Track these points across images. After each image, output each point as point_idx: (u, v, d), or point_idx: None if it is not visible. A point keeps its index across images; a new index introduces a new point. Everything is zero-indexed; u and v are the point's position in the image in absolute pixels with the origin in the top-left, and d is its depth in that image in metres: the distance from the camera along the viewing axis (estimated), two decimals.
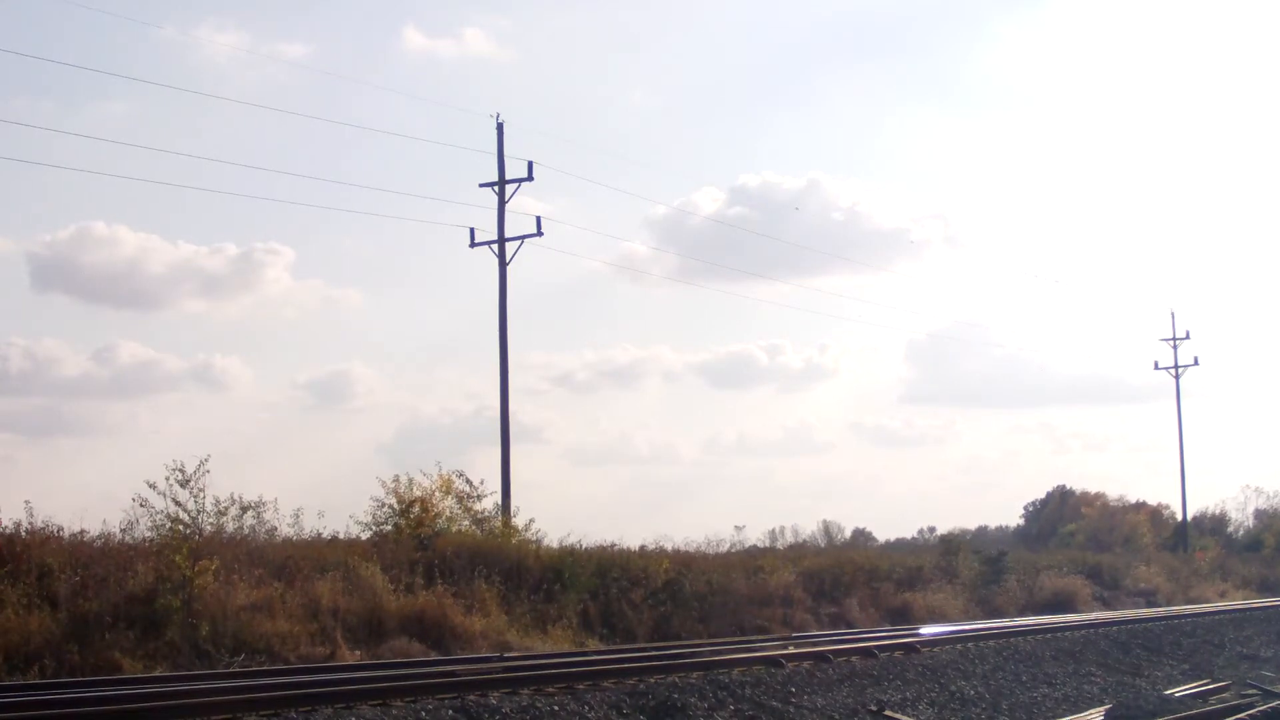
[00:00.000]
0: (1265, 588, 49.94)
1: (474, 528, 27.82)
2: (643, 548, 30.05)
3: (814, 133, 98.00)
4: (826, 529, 55.01)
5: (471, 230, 34.12)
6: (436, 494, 27.36)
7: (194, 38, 71.41)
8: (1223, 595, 45.62)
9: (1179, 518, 64.65)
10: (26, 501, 20.09)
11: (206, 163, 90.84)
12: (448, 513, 27.56)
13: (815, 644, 19.97)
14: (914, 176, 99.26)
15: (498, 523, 28.67)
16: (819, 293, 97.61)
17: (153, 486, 20.95)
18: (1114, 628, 24.75)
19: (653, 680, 15.14)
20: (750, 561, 32.70)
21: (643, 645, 23.17)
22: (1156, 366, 62.58)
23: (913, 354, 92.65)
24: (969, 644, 20.34)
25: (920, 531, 67.31)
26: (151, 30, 77.91)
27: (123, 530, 21.32)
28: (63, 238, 72.37)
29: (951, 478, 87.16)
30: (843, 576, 33.08)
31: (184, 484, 20.91)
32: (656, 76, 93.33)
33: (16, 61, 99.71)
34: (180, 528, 20.71)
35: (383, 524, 26.75)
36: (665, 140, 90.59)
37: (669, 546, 31.73)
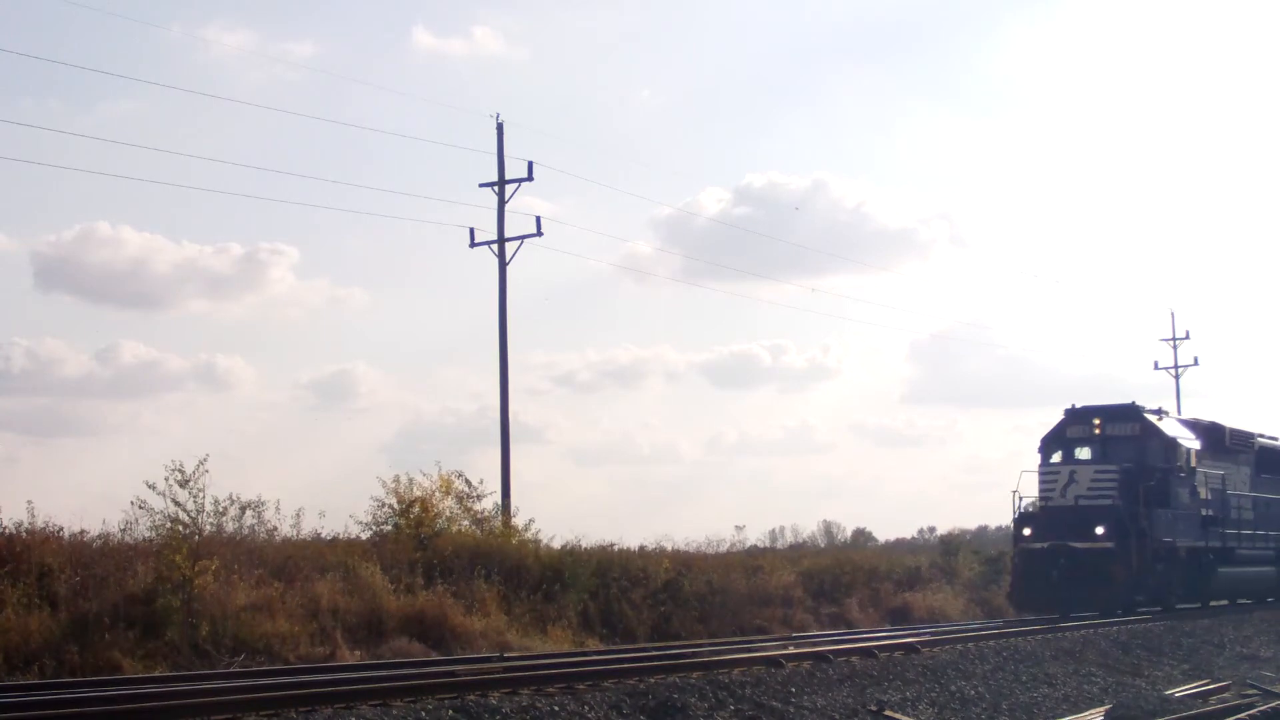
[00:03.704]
0: None
1: (474, 528, 27.82)
2: (643, 548, 30.10)
3: (820, 133, 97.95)
4: (827, 529, 54.97)
5: (471, 230, 34.22)
6: (436, 494, 27.37)
7: (201, 37, 71.32)
8: None
9: None
10: (29, 502, 20.13)
11: (211, 163, 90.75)
12: (448, 513, 27.57)
13: (815, 644, 20.00)
14: (920, 177, 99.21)
15: (498, 523, 28.67)
16: (823, 293, 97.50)
17: (152, 487, 20.96)
18: (1114, 628, 24.74)
19: (653, 680, 15.13)
20: (750, 561, 32.73)
21: (643, 645, 23.19)
22: (1156, 366, 62.55)
23: (915, 354, 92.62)
24: (969, 644, 20.34)
25: (920, 531, 67.13)
26: (158, 30, 77.81)
27: (122, 530, 21.36)
28: (67, 237, 72.34)
29: (953, 477, 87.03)
30: (843, 576, 33.12)
31: (183, 484, 20.91)
32: (663, 76, 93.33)
33: (22, 62, 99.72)
34: (180, 528, 20.71)
35: (383, 524, 26.76)
36: (672, 140, 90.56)
37: (669, 546, 31.79)
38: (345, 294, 77.71)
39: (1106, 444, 29.21)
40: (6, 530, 19.45)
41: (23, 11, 68.52)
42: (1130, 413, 29.66)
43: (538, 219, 34.16)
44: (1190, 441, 30.15)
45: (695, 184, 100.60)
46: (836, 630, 27.73)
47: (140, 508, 21.11)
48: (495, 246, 33.89)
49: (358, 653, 20.13)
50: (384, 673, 15.98)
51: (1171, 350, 62.22)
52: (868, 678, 16.84)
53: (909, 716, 15.52)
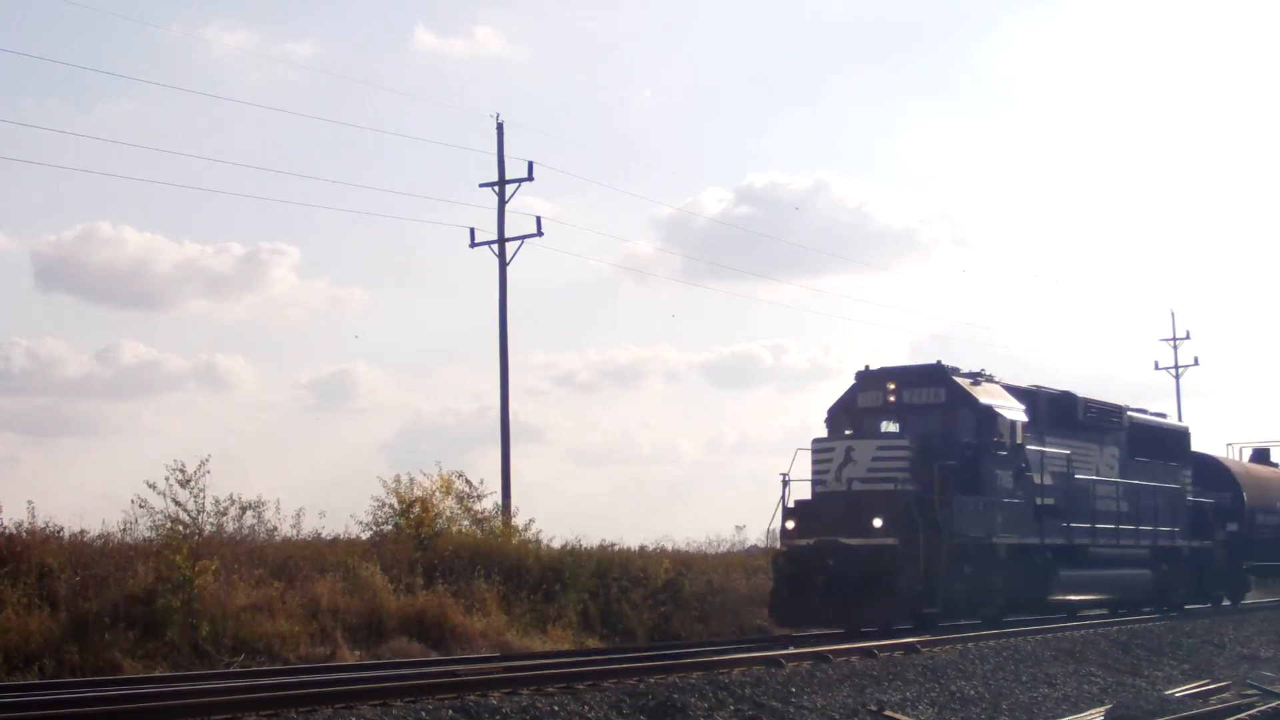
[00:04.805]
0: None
1: (474, 528, 27.85)
2: (643, 548, 30.08)
3: (821, 133, 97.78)
4: None
5: (471, 230, 34.32)
6: (437, 494, 27.39)
7: (202, 37, 71.20)
8: None
9: None
10: (29, 502, 20.16)
11: (212, 163, 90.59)
12: (448, 513, 27.59)
13: (815, 644, 19.98)
14: (921, 177, 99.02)
15: (498, 523, 28.70)
16: (824, 293, 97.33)
17: (152, 487, 21.01)
18: (1114, 628, 24.76)
19: (653, 680, 15.15)
20: (750, 561, 32.71)
21: (643, 645, 23.19)
22: (1157, 366, 62.58)
23: (916, 354, 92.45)
24: (969, 644, 20.35)
25: None
26: (158, 30, 77.61)
27: (123, 530, 21.39)
28: (67, 237, 72.20)
29: None
30: None
31: (184, 484, 20.94)
32: (664, 76, 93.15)
33: (24, 62, 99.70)
34: (180, 528, 20.73)
35: (383, 524, 26.79)
36: (673, 140, 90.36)
37: (670, 546, 31.77)
38: (346, 294, 77.63)
39: (905, 415, 23.47)
40: (6, 530, 19.48)
41: (23, 11, 68.50)
42: (933, 375, 23.73)
43: (538, 219, 34.34)
44: (1014, 412, 24.10)
45: (696, 184, 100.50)
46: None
47: (140, 508, 21.18)
48: (495, 246, 33.97)
49: (358, 653, 20.15)
50: (384, 673, 15.99)
51: (1171, 350, 62.29)
52: (868, 678, 16.85)
53: (909, 716, 15.53)
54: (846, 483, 22.06)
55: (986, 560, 22.98)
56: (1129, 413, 28.99)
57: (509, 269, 33.90)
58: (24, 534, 19.45)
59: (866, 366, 24.33)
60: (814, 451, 22.86)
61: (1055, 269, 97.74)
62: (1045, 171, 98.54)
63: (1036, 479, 24.35)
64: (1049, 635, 22.35)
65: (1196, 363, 62.51)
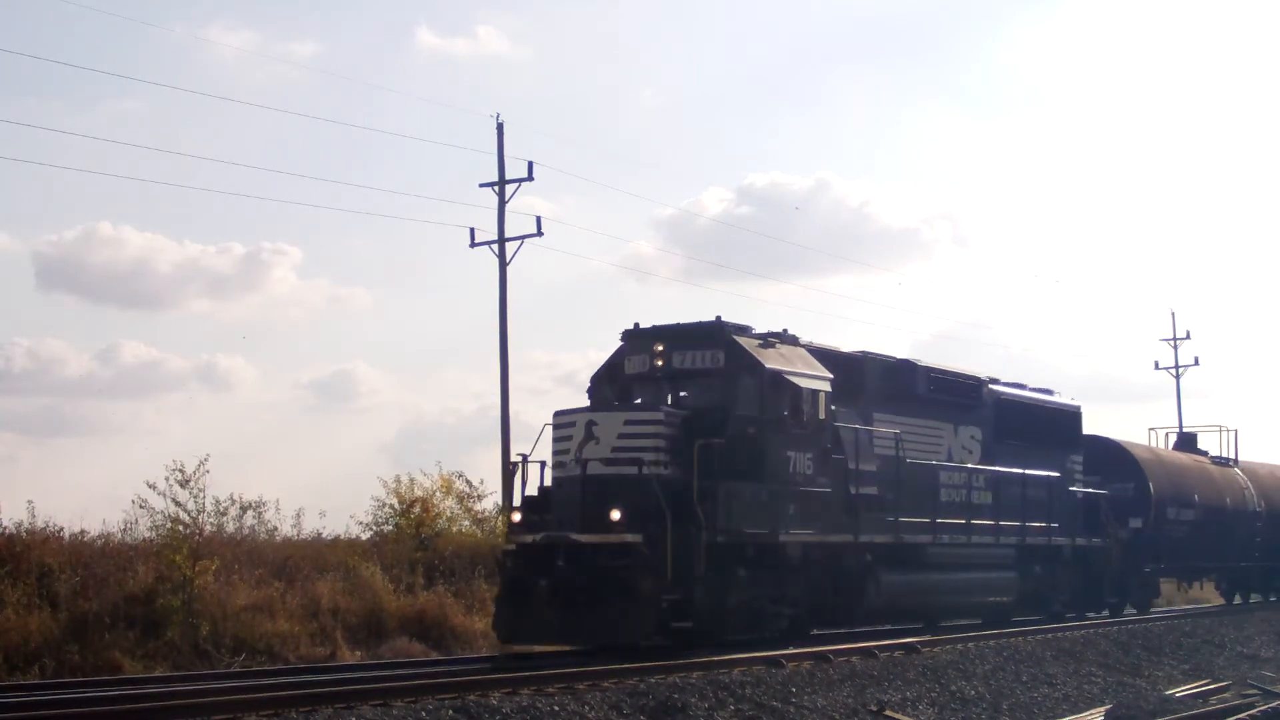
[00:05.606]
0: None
1: (474, 528, 27.89)
2: None
3: (822, 133, 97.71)
4: None
5: (471, 230, 34.29)
6: (437, 494, 27.45)
7: (204, 37, 71.20)
8: None
9: None
10: (29, 501, 20.20)
11: (214, 163, 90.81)
12: (448, 513, 27.64)
13: (815, 644, 19.96)
14: (923, 177, 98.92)
15: (498, 523, 28.72)
16: (825, 293, 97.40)
17: (152, 487, 21.01)
18: (1114, 628, 24.76)
19: (653, 680, 15.14)
20: None
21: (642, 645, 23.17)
22: (1157, 366, 62.44)
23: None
24: (969, 644, 20.36)
25: None
26: (159, 30, 77.60)
27: (123, 530, 21.44)
28: (68, 237, 72.23)
29: None
30: None
31: (184, 484, 20.94)
32: (666, 76, 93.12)
33: (24, 62, 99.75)
34: (180, 528, 20.75)
35: (383, 524, 26.83)
36: (674, 139, 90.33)
37: None
38: (346, 294, 77.65)
39: (677, 382, 19.23)
40: (6, 530, 19.54)
41: (23, 11, 68.55)
42: (711, 335, 19.12)
43: (538, 219, 34.30)
44: (815, 381, 19.33)
45: (697, 184, 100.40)
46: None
47: (141, 508, 21.21)
48: (495, 246, 33.98)
49: (358, 653, 20.18)
50: (384, 673, 16.00)
51: (1172, 350, 62.13)
52: (868, 678, 16.84)
53: (909, 716, 15.53)
54: (583, 465, 17.81)
55: (772, 563, 18.71)
56: (994, 386, 24.67)
57: (509, 269, 33.94)
58: (24, 534, 19.51)
59: (636, 324, 19.83)
60: (554, 427, 18.49)
61: (1055, 269, 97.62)
62: (1046, 171, 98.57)
63: (852, 464, 19.94)
64: (1049, 635, 22.36)
65: (1197, 363, 62.28)
